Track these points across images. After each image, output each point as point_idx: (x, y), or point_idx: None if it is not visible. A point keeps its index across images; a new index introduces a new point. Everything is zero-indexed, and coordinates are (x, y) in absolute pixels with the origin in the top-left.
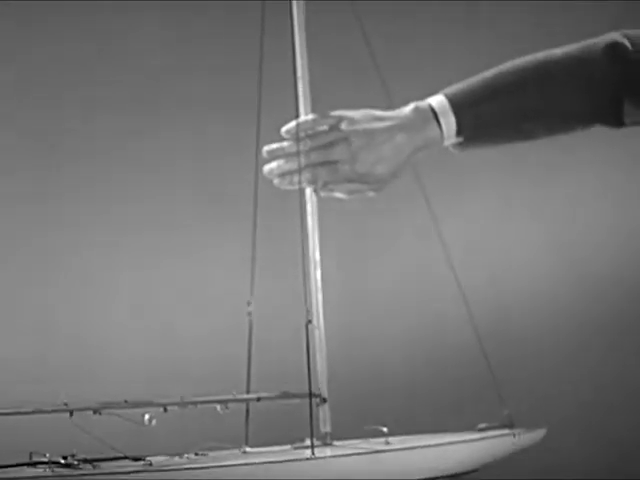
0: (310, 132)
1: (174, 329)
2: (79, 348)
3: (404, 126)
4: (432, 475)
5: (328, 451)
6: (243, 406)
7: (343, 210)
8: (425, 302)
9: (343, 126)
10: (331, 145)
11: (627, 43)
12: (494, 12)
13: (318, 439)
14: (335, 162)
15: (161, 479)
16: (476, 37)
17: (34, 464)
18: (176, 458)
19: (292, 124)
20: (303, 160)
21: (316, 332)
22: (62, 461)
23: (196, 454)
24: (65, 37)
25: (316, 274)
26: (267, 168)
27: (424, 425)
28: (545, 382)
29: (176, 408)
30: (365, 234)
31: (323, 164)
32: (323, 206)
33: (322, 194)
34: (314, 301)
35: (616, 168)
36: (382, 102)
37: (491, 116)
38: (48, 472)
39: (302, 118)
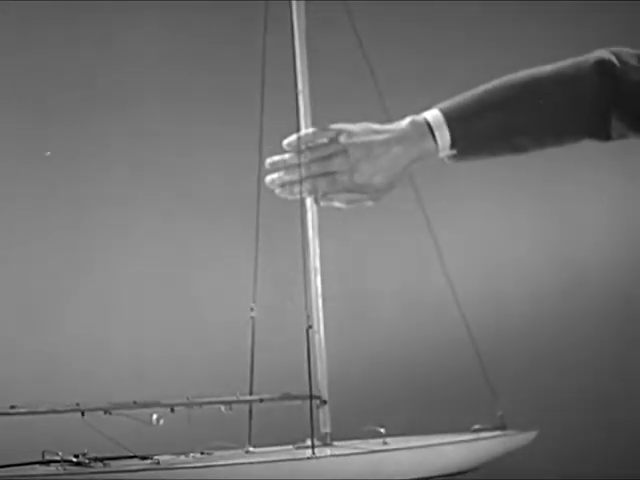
0: (310, 145)
1: (180, 333)
2: (85, 349)
3: (401, 139)
4: (428, 474)
5: (328, 451)
6: (246, 407)
7: (342, 219)
8: (422, 308)
9: (342, 139)
10: (331, 157)
11: (614, 60)
12: (492, 28)
13: (318, 439)
14: (334, 173)
15: (168, 477)
16: (473, 54)
17: (47, 462)
18: (182, 457)
19: (293, 137)
20: (304, 171)
21: (316, 337)
22: (74, 459)
23: (201, 453)
24: (65, 36)
25: (316, 281)
26: (269, 179)
27: (420, 426)
28: (539, 385)
29: (182, 409)
30: (363, 242)
31: (323, 175)
32: (323, 215)
33: (322, 204)
34: (314, 307)
35: (611, 174)
36: (380, 115)
37: (483, 130)
38: (60, 470)
39: (303, 131)
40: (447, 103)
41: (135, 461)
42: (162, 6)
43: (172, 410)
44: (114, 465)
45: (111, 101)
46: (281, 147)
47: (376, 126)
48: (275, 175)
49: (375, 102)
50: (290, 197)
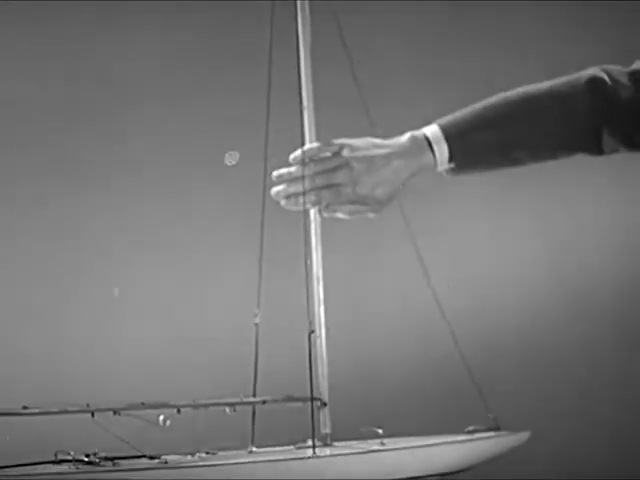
0: (315, 158)
1: (185, 337)
2: (90, 353)
3: (401, 153)
4: (424, 473)
5: (328, 451)
6: (250, 409)
7: (345, 229)
8: (421, 315)
9: (345, 153)
10: (334, 170)
11: (606, 78)
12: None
13: (319, 440)
14: (338, 185)
15: (176, 476)
16: (472, 70)
17: (59, 462)
18: (188, 457)
19: (298, 151)
20: (308, 183)
21: (318, 341)
22: (85, 459)
23: (206, 453)
24: (68, 37)
25: (319, 288)
26: (274, 190)
27: (417, 427)
28: (531, 389)
29: (188, 410)
30: (365, 251)
31: (327, 187)
32: (326, 226)
33: (325, 214)
34: (316, 313)
35: (607, 183)
36: (382, 132)
37: (480, 145)
38: (72, 469)
39: (307, 146)
40: (445, 119)
41: (144, 460)
42: (163, 24)
43: (178, 411)
44: (124, 464)
45: (112, 107)
46: (286, 161)
47: (377, 141)
48: (280, 187)
49: (377, 118)
50: (295, 208)
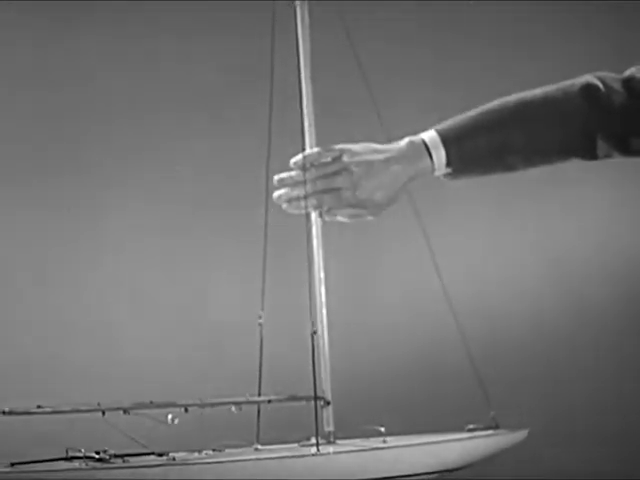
0: (316, 163)
1: (192, 339)
2: (101, 355)
3: (400, 158)
4: (425, 470)
5: (331, 448)
6: (255, 407)
7: (346, 232)
8: (421, 316)
9: (345, 158)
10: (334, 174)
11: (600, 85)
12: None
13: (322, 438)
14: (338, 189)
15: (183, 472)
16: (473, 73)
17: (70, 459)
18: (196, 454)
19: (299, 156)
20: (309, 187)
21: (321, 342)
22: (96, 456)
23: (213, 450)
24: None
25: (321, 290)
26: (277, 194)
27: (418, 426)
28: (530, 388)
29: (196, 409)
30: (366, 254)
31: (327, 191)
32: (327, 229)
33: (326, 218)
34: (319, 314)
35: (605, 186)
36: (381, 136)
37: (477, 150)
38: (83, 466)
39: (308, 151)
40: (443, 125)
41: (152, 457)
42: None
43: (186, 410)
44: (133, 461)
45: (119, 112)
46: (287, 165)
47: (377, 146)
48: (282, 191)
49: (376, 123)
50: (296, 211)
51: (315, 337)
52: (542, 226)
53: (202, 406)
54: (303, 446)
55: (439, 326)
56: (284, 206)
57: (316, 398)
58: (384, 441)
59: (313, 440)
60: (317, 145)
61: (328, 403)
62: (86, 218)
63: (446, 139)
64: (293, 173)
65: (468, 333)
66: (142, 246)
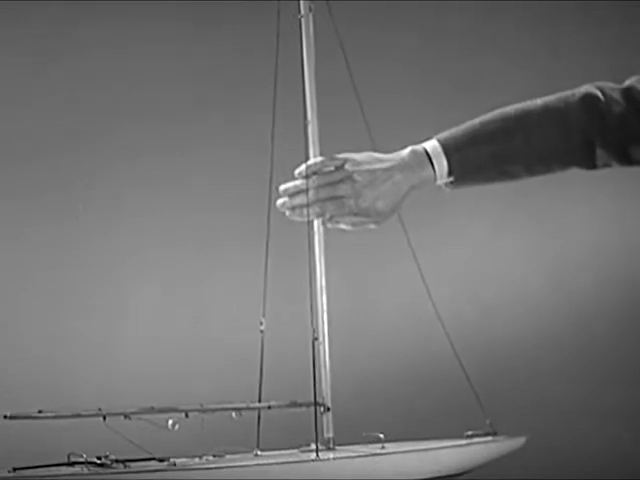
0: (319, 172)
1: (194, 345)
2: (101, 360)
3: (402, 167)
4: (424, 476)
5: (331, 454)
6: (255, 413)
7: (348, 240)
8: (421, 323)
9: (348, 167)
10: (337, 183)
11: (599, 94)
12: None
13: (322, 444)
14: (341, 198)
15: (184, 477)
16: (475, 88)
17: (72, 464)
18: (196, 459)
19: (303, 166)
20: (312, 195)
21: (321, 348)
22: (97, 461)
23: (214, 456)
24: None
25: (322, 297)
26: (280, 202)
27: (417, 432)
28: (527, 394)
29: (196, 414)
30: (367, 262)
31: (330, 199)
32: (329, 237)
33: (329, 226)
34: (320, 321)
35: (602, 191)
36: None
37: (478, 159)
38: (85, 471)
39: (312, 160)
40: (445, 134)
41: (153, 463)
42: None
43: (187, 415)
44: (134, 466)
45: (124, 124)
46: (290, 173)
47: (379, 155)
48: (286, 198)
49: (378, 133)
50: (299, 219)
51: (316, 344)
52: (542, 232)
53: (203, 411)
54: (303, 452)
55: (439, 335)
56: (287, 214)
57: (316, 404)
58: (383, 447)
59: (313, 446)
60: (320, 154)
61: (328, 409)
62: (85, 222)
63: (448, 148)
64: (297, 182)
65: (467, 341)
66: (144, 252)
